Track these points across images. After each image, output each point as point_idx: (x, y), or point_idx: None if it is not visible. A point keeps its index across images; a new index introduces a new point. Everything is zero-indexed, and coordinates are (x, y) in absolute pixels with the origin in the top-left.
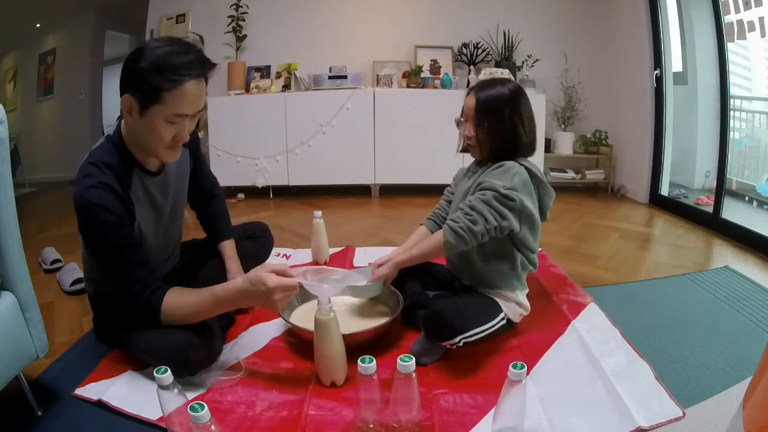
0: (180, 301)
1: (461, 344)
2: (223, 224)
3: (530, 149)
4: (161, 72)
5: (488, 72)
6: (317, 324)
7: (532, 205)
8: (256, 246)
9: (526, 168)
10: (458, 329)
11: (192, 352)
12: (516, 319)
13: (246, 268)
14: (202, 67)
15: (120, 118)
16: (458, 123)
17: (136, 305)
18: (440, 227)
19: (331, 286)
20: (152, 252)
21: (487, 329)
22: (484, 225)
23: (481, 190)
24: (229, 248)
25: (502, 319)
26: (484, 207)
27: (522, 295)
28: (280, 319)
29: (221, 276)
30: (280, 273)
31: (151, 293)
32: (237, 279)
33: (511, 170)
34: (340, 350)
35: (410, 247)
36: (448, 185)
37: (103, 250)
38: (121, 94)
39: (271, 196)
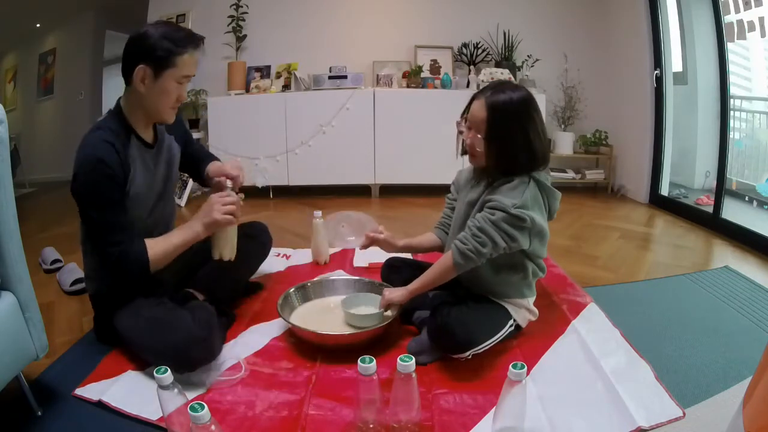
0: (158, 240)
1: (470, 357)
2: (206, 154)
3: (544, 162)
4: (173, 41)
5: (488, 72)
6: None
7: (542, 219)
8: (254, 245)
9: (536, 179)
10: (468, 344)
11: (193, 348)
12: (524, 324)
13: (246, 268)
14: (198, 39)
15: (109, 110)
16: (460, 128)
17: (122, 256)
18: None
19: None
20: (139, 229)
21: (497, 339)
22: (492, 247)
23: (490, 208)
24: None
25: (511, 326)
26: (493, 229)
27: (531, 302)
28: (280, 319)
29: (222, 276)
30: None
31: (132, 242)
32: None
33: (521, 186)
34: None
35: (421, 275)
36: (448, 185)
37: (96, 205)
38: (131, 69)
39: (271, 196)
